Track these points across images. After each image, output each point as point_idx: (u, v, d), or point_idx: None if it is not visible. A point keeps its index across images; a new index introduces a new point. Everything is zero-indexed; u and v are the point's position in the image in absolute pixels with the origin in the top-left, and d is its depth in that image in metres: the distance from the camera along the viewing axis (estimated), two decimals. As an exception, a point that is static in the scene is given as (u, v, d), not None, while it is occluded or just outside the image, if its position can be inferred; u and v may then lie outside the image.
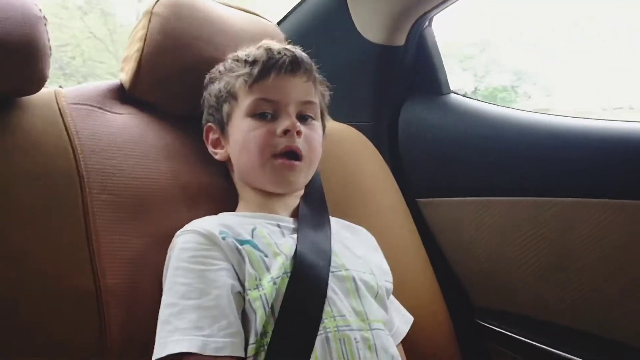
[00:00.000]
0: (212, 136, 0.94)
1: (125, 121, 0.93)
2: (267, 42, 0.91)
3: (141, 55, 0.93)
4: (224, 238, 0.78)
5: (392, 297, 0.95)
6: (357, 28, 1.32)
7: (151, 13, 0.94)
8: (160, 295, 0.77)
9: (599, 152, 1.02)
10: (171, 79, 0.95)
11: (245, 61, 0.89)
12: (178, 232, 0.81)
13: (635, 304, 0.99)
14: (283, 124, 0.85)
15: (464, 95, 1.32)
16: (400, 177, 1.28)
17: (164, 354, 0.70)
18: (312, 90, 0.91)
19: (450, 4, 1.24)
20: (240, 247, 0.78)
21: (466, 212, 1.19)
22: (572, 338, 1.06)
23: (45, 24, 0.82)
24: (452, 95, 1.33)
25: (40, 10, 0.82)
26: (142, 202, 0.86)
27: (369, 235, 0.99)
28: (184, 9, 0.95)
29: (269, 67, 0.86)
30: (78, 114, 0.88)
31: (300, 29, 1.38)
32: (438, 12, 1.29)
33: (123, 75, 0.98)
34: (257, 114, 0.86)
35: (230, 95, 0.89)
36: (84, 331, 0.77)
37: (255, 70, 0.86)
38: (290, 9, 1.43)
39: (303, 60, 0.89)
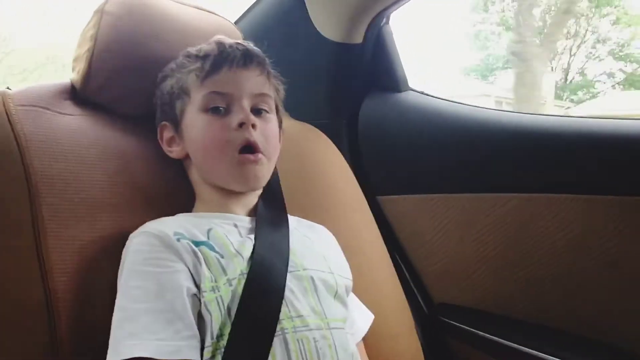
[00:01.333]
0: (167, 134, 0.92)
1: (76, 122, 0.90)
2: (218, 37, 0.91)
3: (92, 54, 0.91)
4: (178, 239, 0.76)
5: (352, 294, 0.95)
6: (315, 26, 1.31)
7: (102, 12, 0.92)
8: (113, 300, 0.75)
9: (555, 147, 1.04)
10: (123, 78, 0.93)
11: (197, 56, 0.88)
12: (132, 235, 0.80)
13: (592, 296, 1.02)
14: (237, 117, 0.84)
15: (422, 93, 1.33)
16: (361, 175, 1.28)
17: (118, 359, 0.68)
18: (266, 83, 0.90)
19: (406, 1, 1.24)
20: (195, 248, 0.77)
21: (426, 208, 1.20)
22: (532, 332, 1.07)
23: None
24: (411, 92, 1.33)
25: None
26: (95, 206, 0.84)
27: (328, 233, 0.99)
28: (136, 7, 0.93)
29: (221, 60, 0.86)
30: (26, 116, 0.85)
31: (257, 27, 1.37)
32: (395, 9, 1.29)
33: (74, 75, 0.95)
34: (210, 108, 0.85)
35: (183, 91, 0.88)
36: (35, 341, 0.75)
37: (207, 64, 0.85)
38: (247, 7, 1.41)
39: (255, 54, 0.89)
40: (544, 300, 1.06)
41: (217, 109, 0.85)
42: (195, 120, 0.87)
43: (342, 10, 1.26)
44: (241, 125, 0.84)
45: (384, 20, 1.32)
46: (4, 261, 0.76)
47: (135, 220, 0.82)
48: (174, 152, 0.91)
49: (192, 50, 0.90)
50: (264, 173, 0.88)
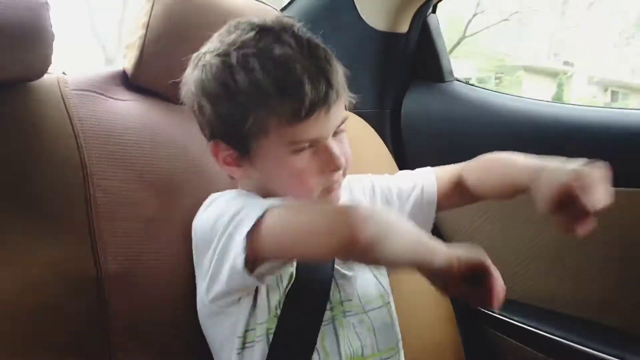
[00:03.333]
0: (224, 153, 0.80)
1: (128, 108, 0.93)
2: (292, 54, 0.72)
3: (144, 42, 0.93)
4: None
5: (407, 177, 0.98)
6: (360, 15, 1.31)
7: (154, 0, 0.94)
8: (165, 281, 0.77)
9: (602, 140, 1.02)
10: (173, 67, 0.94)
11: (284, 92, 0.72)
12: (207, 202, 0.80)
13: (636, 292, 1.00)
14: (330, 164, 0.76)
15: (466, 83, 1.32)
16: (403, 165, 1.28)
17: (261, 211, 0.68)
18: (342, 105, 0.78)
19: (454, -9, 1.23)
20: None
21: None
22: (575, 326, 1.06)
23: (48, 10, 0.82)
24: (456, 82, 1.32)
25: (43, -5, 0.82)
26: (146, 188, 0.87)
27: (366, 180, 0.98)
28: (187, -5, 0.95)
29: (317, 105, 0.72)
30: (80, 100, 0.88)
31: (303, 16, 1.37)
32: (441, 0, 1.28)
33: (125, 62, 0.98)
34: (293, 151, 0.75)
35: (259, 131, 0.74)
36: (86, 315, 0.78)
37: (302, 110, 0.71)
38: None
39: (337, 77, 0.75)
40: (589, 294, 1.05)
41: (302, 149, 0.76)
42: (272, 161, 0.77)
43: (389, -1, 1.26)
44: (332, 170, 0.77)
45: (430, 9, 1.31)
46: (59, 241, 0.79)
47: (186, 204, 0.85)
48: (235, 173, 0.82)
49: (273, 72, 0.72)
50: (340, 197, 0.82)
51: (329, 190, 0.79)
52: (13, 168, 0.79)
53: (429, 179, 0.95)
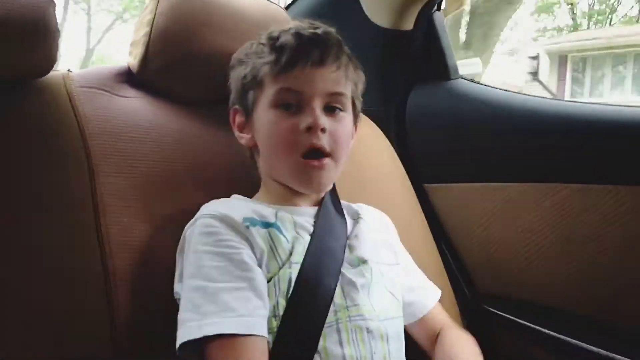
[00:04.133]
0: (239, 119, 0.91)
1: (133, 104, 0.94)
2: (297, 25, 0.86)
3: (149, 40, 0.94)
4: (248, 226, 0.78)
5: (419, 270, 0.99)
6: (365, 12, 1.31)
7: (159, -2, 0.94)
8: (169, 278, 0.78)
9: (607, 137, 1.02)
10: (178, 64, 0.96)
11: (272, 46, 0.84)
12: (198, 215, 0.80)
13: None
14: (306, 120, 0.81)
15: (471, 80, 1.32)
16: (408, 162, 1.28)
17: (200, 335, 0.69)
18: (342, 80, 0.85)
19: (459, -12, 1.23)
20: (264, 230, 0.79)
21: (473, 197, 1.19)
22: (578, 324, 1.06)
23: (53, 7, 0.83)
24: (460, 80, 1.32)
25: (48, -7, 0.82)
26: (152, 186, 0.87)
27: (383, 216, 1.00)
28: (191, -7, 0.95)
29: (297, 56, 0.81)
30: (86, 97, 0.89)
31: (308, 13, 1.37)
32: (447, -3, 1.28)
33: (131, 59, 0.98)
34: (281, 104, 0.83)
35: (256, 82, 0.85)
36: (92, 311, 0.78)
37: (283, 58, 0.81)
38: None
39: (334, 48, 0.84)
40: (594, 293, 1.04)
41: (288, 105, 0.83)
42: (265, 115, 0.84)
43: (393, -4, 1.26)
44: (309, 129, 0.81)
45: (435, 7, 1.31)
46: (64, 236, 0.79)
47: (193, 201, 0.85)
48: (244, 139, 0.90)
49: (270, 36, 0.85)
50: (330, 177, 0.86)
51: (311, 156, 0.82)
52: (19, 164, 0.79)
53: (429, 300, 0.97)
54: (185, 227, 0.81)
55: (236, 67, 0.90)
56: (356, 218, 0.93)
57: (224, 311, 0.71)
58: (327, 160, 0.83)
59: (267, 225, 0.80)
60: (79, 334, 0.77)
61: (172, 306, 0.78)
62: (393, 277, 0.89)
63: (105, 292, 0.79)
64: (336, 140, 0.83)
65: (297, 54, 0.81)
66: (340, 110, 0.86)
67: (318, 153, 0.82)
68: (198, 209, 0.82)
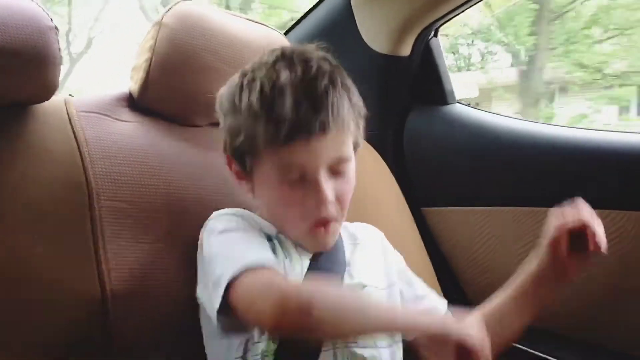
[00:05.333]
0: (236, 168, 0.84)
1: (134, 129, 0.94)
2: (288, 78, 0.75)
3: (149, 65, 0.95)
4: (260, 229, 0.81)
5: (420, 282, 0.97)
6: (363, 38, 1.33)
7: (160, 24, 0.95)
8: (167, 301, 0.78)
9: (602, 162, 1.03)
10: (179, 89, 0.97)
11: (268, 115, 0.74)
12: (213, 215, 0.82)
13: (634, 314, 0.99)
14: (313, 196, 0.76)
15: (468, 105, 1.33)
16: (405, 186, 1.28)
17: (242, 266, 0.70)
18: (346, 140, 0.79)
19: (455, 16, 1.25)
20: (272, 236, 0.81)
21: (470, 221, 1.19)
22: (573, 347, 1.06)
23: (56, 34, 0.84)
24: (457, 105, 1.34)
25: (51, 20, 0.83)
26: (151, 210, 0.87)
27: (377, 234, 0.99)
28: (192, 20, 0.97)
29: (296, 130, 0.73)
30: (87, 122, 0.89)
31: (306, 39, 1.39)
32: (443, 23, 1.30)
33: (132, 84, 0.99)
34: (284, 180, 0.77)
35: (253, 150, 0.78)
36: (90, 337, 0.78)
37: (281, 133, 0.73)
38: (296, 20, 1.44)
39: (335, 107, 0.75)
40: (593, 316, 1.04)
41: (291, 179, 0.77)
42: (267, 186, 0.80)
43: (391, 23, 1.28)
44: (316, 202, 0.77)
45: (432, 33, 1.33)
46: (62, 259, 0.79)
47: (192, 226, 0.85)
48: (244, 187, 0.85)
49: (263, 97, 0.75)
50: (336, 234, 0.84)
51: (318, 225, 0.79)
52: (19, 188, 0.80)
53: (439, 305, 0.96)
54: (202, 229, 0.81)
55: (227, 117, 0.82)
56: (354, 242, 0.93)
57: (255, 250, 0.74)
58: (333, 224, 0.81)
59: (268, 238, 0.81)
60: (77, 357, 0.77)
61: (170, 328, 0.78)
62: (390, 299, 0.89)
63: (103, 315, 0.79)
64: (343, 202, 0.80)
65: (296, 128, 0.73)
66: (345, 166, 0.81)
67: (325, 220, 0.80)
68: (198, 232, 0.83)
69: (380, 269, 0.92)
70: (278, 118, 0.73)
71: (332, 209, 0.78)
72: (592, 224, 0.79)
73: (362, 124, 0.85)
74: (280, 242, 0.82)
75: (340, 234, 0.90)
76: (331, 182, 0.78)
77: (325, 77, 0.76)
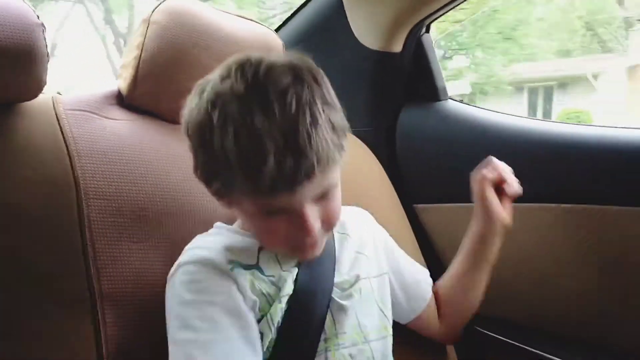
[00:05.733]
0: (214, 187, 0.75)
1: (122, 127, 0.93)
2: (265, 128, 0.65)
3: (138, 62, 0.94)
4: (232, 269, 0.76)
5: (408, 260, 1.02)
6: (354, 34, 1.32)
7: (149, 21, 0.94)
8: (157, 301, 0.77)
9: (595, 158, 1.03)
10: (168, 86, 0.96)
11: (246, 171, 0.67)
12: (180, 261, 0.77)
13: (634, 312, 0.99)
14: (301, 233, 0.72)
15: (461, 102, 1.33)
16: (398, 183, 1.28)
17: None
18: (330, 174, 0.71)
19: (446, 11, 1.24)
20: (247, 272, 0.77)
21: (463, 218, 1.18)
22: (570, 346, 1.06)
23: (43, 31, 0.83)
24: (450, 101, 1.33)
25: (38, 17, 0.82)
26: (140, 209, 0.87)
27: (363, 217, 1.00)
28: (182, 17, 0.96)
29: (279, 184, 0.66)
30: (75, 120, 0.88)
31: (298, 36, 1.39)
32: (435, 19, 1.29)
33: (121, 82, 0.98)
34: (266, 212, 0.72)
35: (230, 195, 0.74)
36: (79, 338, 0.77)
37: (261, 186, 0.66)
38: (287, 16, 1.44)
39: (318, 154, 0.67)
40: (585, 315, 1.05)
41: (275, 213, 0.72)
42: (247, 218, 0.78)
43: (382, 19, 1.27)
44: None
45: (424, 29, 1.32)
46: (51, 260, 0.78)
47: (183, 224, 0.84)
48: (224, 207, 0.80)
49: (240, 148, 0.66)
50: (321, 248, 0.79)
51: (302, 253, 0.77)
52: (6, 186, 0.79)
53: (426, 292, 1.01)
54: (168, 276, 0.78)
55: (197, 150, 0.73)
56: (343, 232, 0.91)
57: None
58: (319, 242, 0.77)
59: (247, 267, 0.77)
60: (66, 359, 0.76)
61: (161, 330, 0.77)
62: (382, 288, 0.89)
63: (92, 315, 0.78)
64: (330, 220, 0.76)
65: (279, 182, 0.66)
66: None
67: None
68: (189, 231, 0.82)
69: (372, 256, 0.92)
70: (259, 175, 0.66)
71: (317, 235, 0.74)
72: (507, 173, 0.96)
73: (345, 139, 0.75)
74: (264, 264, 0.79)
75: (332, 236, 0.89)
76: (316, 208, 0.73)
77: (307, 113, 0.66)
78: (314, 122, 0.66)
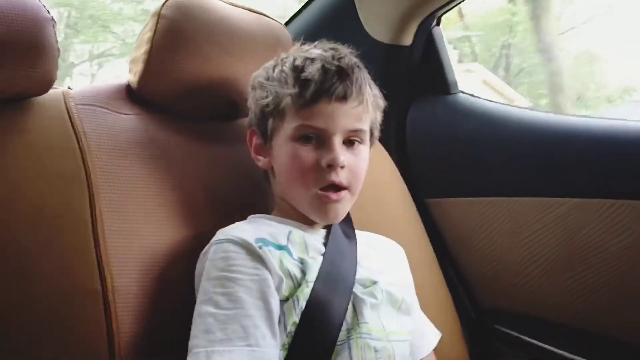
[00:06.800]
0: (256, 141, 0.90)
1: (133, 121, 0.93)
2: (321, 54, 0.85)
3: (148, 57, 0.94)
4: (260, 247, 0.77)
5: (421, 312, 0.97)
6: (364, 27, 1.32)
7: (159, 15, 0.94)
8: (169, 297, 0.77)
9: (607, 151, 1.02)
10: (178, 80, 0.96)
11: (297, 77, 0.82)
12: (212, 240, 0.80)
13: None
14: (327, 157, 0.81)
15: (472, 95, 1.32)
16: (409, 177, 1.28)
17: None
18: (363, 116, 0.85)
19: (457, 4, 1.24)
20: (278, 252, 0.79)
21: (474, 212, 1.18)
22: (582, 340, 1.05)
23: (53, 25, 0.83)
24: (461, 94, 1.32)
25: (48, 11, 0.82)
26: (151, 204, 0.86)
27: (398, 247, 1.00)
28: (191, 10, 0.95)
29: (321, 92, 0.81)
30: (85, 114, 0.88)
31: (308, 29, 1.38)
32: (446, 12, 1.28)
33: (131, 76, 0.98)
34: (301, 137, 0.83)
35: (277, 112, 0.84)
36: (91, 332, 0.77)
37: (307, 92, 0.81)
38: (297, 10, 1.43)
39: (357, 83, 0.83)
40: (598, 308, 1.04)
41: (308, 137, 0.83)
42: (285, 146, 0.84)
43: (392, 12, 1.26)
44: (329, 166, 0.81)
45: (434, 22, 1.31)
46: (62, 253, 0.78)
47: (197, 220, 0.85)
48: (261, 162, 0.90)
49: (294, 66, 0.84)
50: (345, 208, 0.87)
51: (328, 189, 0.82)
52: (18, 182, 0.79)
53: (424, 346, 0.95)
54: (201, 254, 0.81)
55: (257, 90, 0.88)
56: (371, 246, 0.94)
57: (232, 340, 0.70)
58: (344, 193, 0.84)
59: (279, 247, 0.80)
60: (78, 354, 0.76)
61: (174, 327, 0.77)
62: (404, 295, 0.89)
63: (104, 312, 0.78)
64: (354, 175, 0.85)
65: (321, 89, 0.81)
66: (359, 142, 0.86)
67: (336, 187, 0.83)
68: (201, 228, 0.82)
69: (395, 270, 0.93)
70: (305, 78, 0.81)
71: (343, 176, 0.82)
72: None
73: (379, 115, 0.92)
74: (293, 245, 0.82)
75: (355, 235, 0.91)
76: (345, 151, 0.83)
77: (352, 60, 0.85)
78: (359, 67, 0.86)
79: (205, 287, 0.76)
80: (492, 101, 1.27)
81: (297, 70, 0.83)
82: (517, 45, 4.80)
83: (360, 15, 1.31)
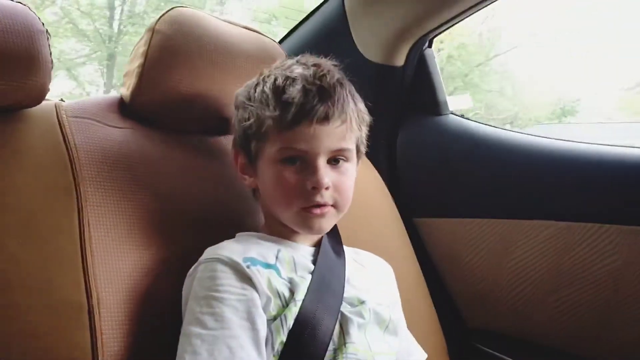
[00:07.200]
0: (241, 161, 0.90)
1: (125, 135, 0.93)
2: (301, 73, 0.83)
3: (142, 71, 0.94)
4: (248, 266, 0.77)
5: (408, 332, 0.96)
6: (357, 47, 1.33)
7: (153, 30, 0.95)
8: (154, 311, 0.77)
9: (594, 176, 1.03)
10: (172, 95, 0.96)
11: (277, 99, 0.81)
12: (201, 259, 0.80)
13: (630, 328, 0.99)
14: (311, 179, 0.80)
15: (462, 116, 1.33)
16: (398, 196, 1.28)
17: None
18: (347, 134, 0.83)
19: (449, 27, 1.25)
20: (266, 271, 0.79)
21: (462, 232, 1.19)
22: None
23: (47, 38, 0.83)
24: (451, 116, 1.34)
25: (42, 24, 0.82)
26: (140, 217, 0.86)
27: (387, 266, 1.00)
28: (186, 26, 0.96)
29: (302, 114, 0.79)
30: (77, 127, 0.88)
31: (301, 47, 1.39)
32: (438, 34, 1.30)
33: (124, 90, 0.99)
34: (285, 159, 0.82)
35: (260, 133, 0.84)
36: (76, 344, 0.76)
37: (288, 115, 0.79)
38: (291, 28, 1.44)
39: (340, 102, 0.81)
40: (582, 330, 1.04)
41: (292, 159, 0.82)
42: (269, 168, 0.84)
43: (385, 33, 1.28)
44: (314, 188, 0.81)
45: (426, 44, 1.33)
46: (49, 264, 0.78)
47: (186, 235, 0.85)
48: (247, 181, 0.91)
49: (275, 86, 0.83)
50: (330, 222, 0.86)
51: (309, 210, 0.82)
52: (7, 192, 0.79)
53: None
54: (188, 273, 0.80)
55: (240, 110, 0.88)
56: (360, 264, 0.94)
57: None
58: (328, 208, 0.83)
59: (267, 266, 0.80)
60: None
61: (158, 340, 0.77)
62: (391, 315, 0.88)
63: (89, 324, 0.77)
64: (340, 193, 0.84)
65: (302, 111, 0.79)
66: (345, 161, 0.85)
67: (320, 205, 0.82)
68: (190, 243, 0.82)
69: (384, 291, 0.93)
70: (286, 101, 0.80)
71: (328, 196, 0.82)
72: None
73: (365, 130, 0.91)
74: (281, 264, 0.82)
75: (344, 252, 0.91)
76: (329, 171, 0.82)
77: (335, 78, 0.84)
78: (341, 84, 0.84)
79: (191, 307, 0.75)
80: (482, 123, 1.28)
81: (278, 91, 0.82)
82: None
83: (353, 34, 1.32)
